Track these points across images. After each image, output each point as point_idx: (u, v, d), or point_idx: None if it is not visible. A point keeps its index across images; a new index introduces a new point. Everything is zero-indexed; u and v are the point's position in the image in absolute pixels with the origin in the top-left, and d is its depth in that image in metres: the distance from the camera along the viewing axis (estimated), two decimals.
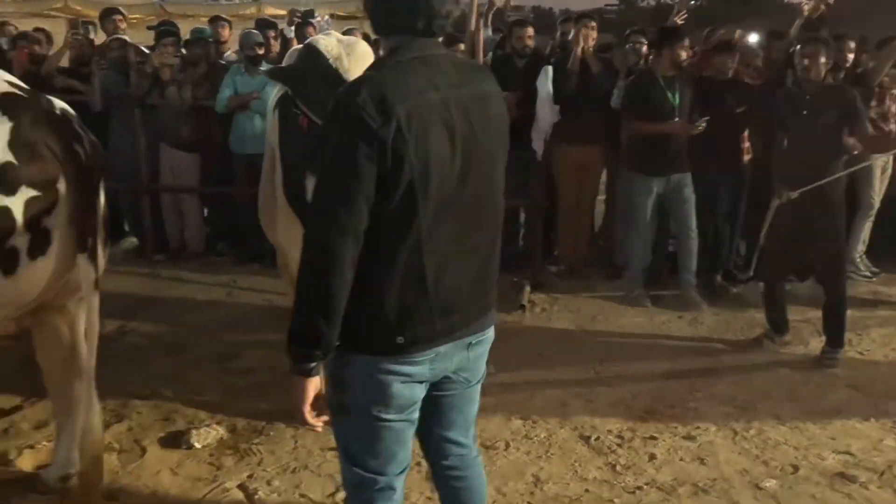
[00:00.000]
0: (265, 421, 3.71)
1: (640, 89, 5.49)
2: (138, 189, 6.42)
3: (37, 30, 7.40)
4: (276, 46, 6.47)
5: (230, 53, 6.80)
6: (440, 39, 2.02)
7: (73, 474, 3.10)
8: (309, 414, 1.95)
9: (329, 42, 3.14)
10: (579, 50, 5.75)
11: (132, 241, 6.69)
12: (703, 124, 5.24)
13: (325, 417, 1.99)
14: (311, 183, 3.22)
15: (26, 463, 3.30)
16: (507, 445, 3.56)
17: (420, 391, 2.06)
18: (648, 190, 5.48)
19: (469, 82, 1.98)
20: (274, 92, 5.98)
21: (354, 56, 3.09)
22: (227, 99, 6.15)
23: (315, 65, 3.09)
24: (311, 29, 6.51)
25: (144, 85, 6.36)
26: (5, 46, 7.81)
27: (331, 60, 3.05)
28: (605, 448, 3.57)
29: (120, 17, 7.27)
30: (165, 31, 6.66)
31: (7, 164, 2.60)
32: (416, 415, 2.11)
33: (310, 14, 6.49)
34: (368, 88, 1.81)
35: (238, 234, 6.59)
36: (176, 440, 3.51)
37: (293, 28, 6.51)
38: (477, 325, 2.10)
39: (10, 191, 2.61)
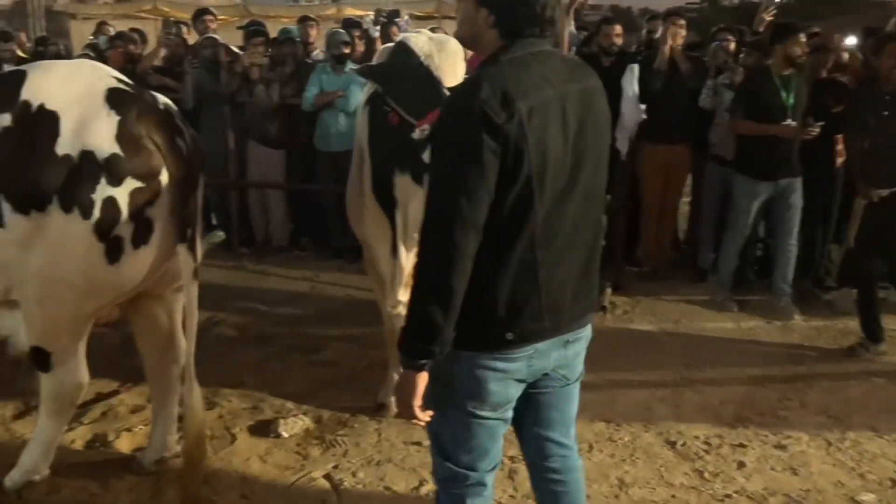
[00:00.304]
0: (349, 413, 3.76)
1: (752, 87, 5.25)
2: (226, 184, 6.60)
3: (132, 30, 7.71)
4: (360, 46, 6.55)
5: (317, 53, 6.92)
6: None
7: (168, 458, 3.22)
8: (418, 409, 1.95)
9: (420, 40, 3.16)
10: (667, 48, 5.64)
11: (219, 234, 6.87)
12: (818, 129, 5.00)
13: (431, 412, 2.00)
14: (399, 179, 3.26)
15: (124, 445, 3.43)
16: (591, 447, 3.51)
17: (516, 389, 2.05)
18: (754, 194, 5.24)
19: (578, 78, 2.00)
20: (363, 90, 6.14)
21: (445, 53, 3.11)
22: (313, 97, 6.27)
23: (406, 62, 3.11)
24: (395, 29, 6.56)
25: (234, 83, 6.54)
26: (103, 46, 8.16)
27: (422, 58, 3.08)
28: (691, 454, 3.49)
29: (210, 17, 7.50)
30: (255, 31, 6.83)
31: (114, 156, 2.72)
32: (510, 413, 2.11)
33: (395, 14, 6.55)
34: (490, 84, 1.83)
35: (321, 231, 6.71)
36: (264, 429, 3.59)
37: (378, 28, 6.57)
38: (578, 322, 2.08)
39: (117, 181, 2.73)
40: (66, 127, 2.71)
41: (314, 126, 6.44)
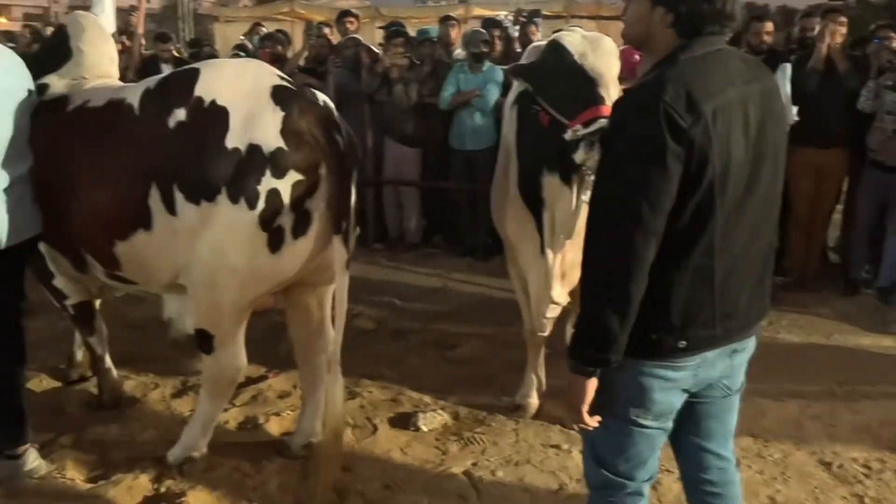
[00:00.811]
0: (486, 412, 3.76)
1: None
2: (363, 181, 6.75)
3: (277, 31, 8.03)
4: (499, 45, 6.56)
5: (458, 52, 6.98)
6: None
7: (315, 444, 3.31)
8: (586, 414, 1.93)
9: (574, 38, 3.10)
10: (825, 47, 5.33)
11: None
12: None
13: (598, 418, 1.96)
14: (547, 180, 3.22)
15: (273, 428, 3.55)
16: (738, 463, 3.34)
17: (679, 399, 2.00)
18: None
19: (758, 78, 1.92)
20: (500, 89, 6.16)
21: (599, 53, 3.03)
22: (450, 96, 6.33)
23: (560, 61, 3.05)
24: (533, 28, 6.53)
25: (374, 83, 6.69)
26: (253, 47, 8.54)
27: (576, 57, 3.01)
28: (849, 477, 3.28)
29: (351, 19, 7.75)
30: (395, 31, 6.97)
31: (278, 150, 2.82)
32: (671, 423, 2.05)
33: (535, 14, 6.52)
34: (674, 85, 1.77)
35: (452, 228, 6.76)
36: (404, 421, 3.64)
37: (518, 27, 6.55)
38: (747, 331, 2.00)
39: (280, 174, 2.82)
40: (235, 122, 2.83)
41: (450, 125, 6.50)
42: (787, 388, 4.09)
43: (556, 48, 3.11)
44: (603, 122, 2.72)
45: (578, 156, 2.83)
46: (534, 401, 3.77)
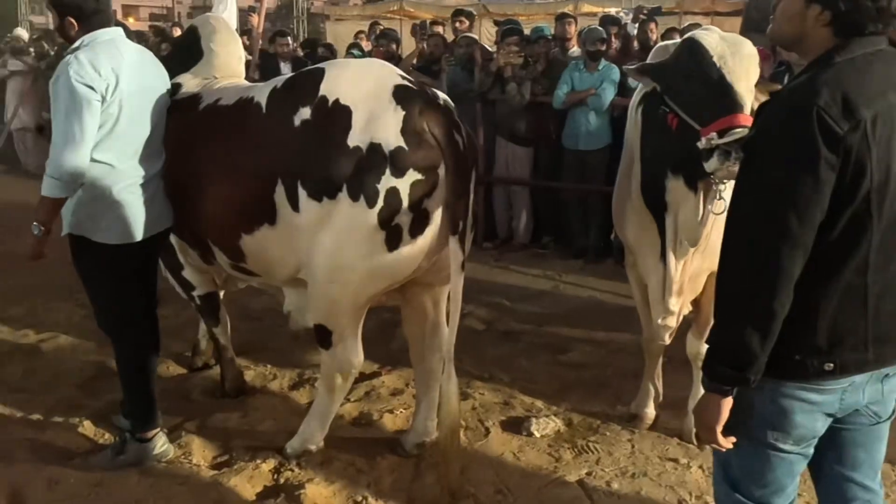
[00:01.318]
0: (600, 420, 3.66)
1: None
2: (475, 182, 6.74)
3: (387, 30, 8.15)
4: (616, 43, 6.40)
5: (574, 49, 6.86)
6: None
7: (428, 443, 3.32)
8: (720, 435, 1.84)
9: (712, 39, 2.93)
10: None
11: None
12: None
13: (733, 439, 1.85)
14: (672, 183, 3.08)
15: (386, 425, 3.57)
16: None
17: (822, 424, 1.87)
18: None
19: None
20: (616, 88, 6.02)
21: (739, 56, 2.84)
22: (564, 95, 6.22)
23: (695, 63, 2.90)
24: (652, 26, 6.34)
25: (487, 82, 6.65)
26: (364, 45, 8.69)
27: (715, 59, 2.85)
28: None
29: (463, 17, 7.79)
30: (510, 29, 6.91)
31: (399, 149, 2.82)
32: (811, 449, 1.92)
33: (656, 11, 6.32)
34: (829, 89, 1.65)
35: (563, 229, 6.66)
36: (516, 425, 3.58)
37: (637, 25, 6.38)
38: None
39: (400, 173, 2.83)
40: (357, 121, 2.85)
41: (562, 124, 6.40)
42: None
43: (692, 48, 2.94)
44: (740, 131, 2.58)
45: (710, 165, 2.68)
46: (650, 411, 3.65)
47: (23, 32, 11.80)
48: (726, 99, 2.74)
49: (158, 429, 3.21)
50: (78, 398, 3.75)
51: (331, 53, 8.54)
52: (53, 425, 3.46)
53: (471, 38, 6.96)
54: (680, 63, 2.97)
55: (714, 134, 2.67)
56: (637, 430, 3.56)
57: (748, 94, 2.79)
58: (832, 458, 1.99)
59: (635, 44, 6.64)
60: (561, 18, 7.12)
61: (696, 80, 2.86)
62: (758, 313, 1.71)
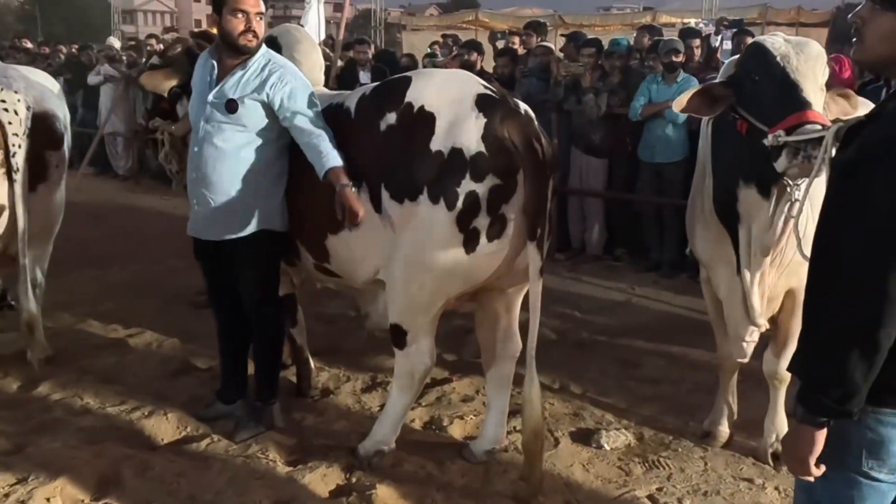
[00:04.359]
0: (672, 436, 3.61)
1: None
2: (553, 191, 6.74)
3: (471, 41, 8.24)
4: (697, 55, 6.32)
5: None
6: None
7: (498, 450, 3.33)
8: (814, 467, 1.77)
9: (776, 40, 2.90)
10: None
11: None
12: None
13: (824, 468, 1.80)
14: (743, 192, 3.03)
15: (456, 431, 3.60)
16: None
17: None
18: None
19: None
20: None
21: (804, 56, 2.80)
22: (640, 107, 6.17)
23: (760, 64, 2.86)
24: (748, 39, 6.23)
25: (560, 92, 6.65)
26: (438, 56, 8.80)
27: (778, 58, 2.80)
28: None
29: (531, 31, 7.89)
30: (584, 41, 6.90)
31: (479, 154, 2.88)
32: None
33: (739, 23, 6.21)
34: None
35: (637, 242, 6.59)
36: (586, 437, 3.57)
37: (720, 37, 6.28)
38: None
39: (479, 178, 2.88)
40: (440, 126, 2.92)
41: (639, 136, 6.35)
42: None
43: (756, 51, 2.91)
44: (812, 128, 2.51)
45: (780, 163, 2.62)
46: (724, 429, 3.58)
47: (115, 41, 12.38)
48: (792, 96, 2.70)
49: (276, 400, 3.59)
50: (163, 390, 3.91)
51: (412, 62, 8.70)
52: (141, 415, 3.61)
53: (546, 47, 6.97)
54: (745, 68, 2.94)
55: (781, 132, 2.62)
56: (710, 448, 3.50)
57: (817, 92, 2.75)
58: None
59: (719, 55, 6.53)
60: (640, 31, 7.07)
61: (761, 82, 2.83)
62: (863, 344, 1.63)
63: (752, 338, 3.25)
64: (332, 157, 3.07)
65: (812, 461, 1.76)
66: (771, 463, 3.35)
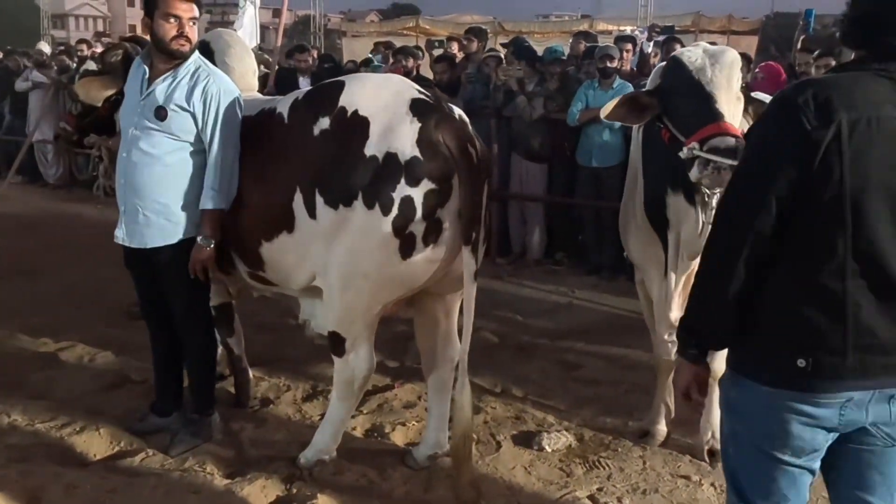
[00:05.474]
0: (612, 436, 3.66)
1: None
2: (489, 195, 6.77)
3: (415, 47, 8.26)
4: (627, 62, 6.45)
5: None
6: None
7: (440, 455, 3.33)
8: (681, 397, 2.04)
9: (693, 53, 3.02)
10: None
11: None
12: None
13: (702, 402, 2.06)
14: (671, 199, 3.14)
15: (398, 438, 3.58)
16: None
17: (822, 438, 1.87)
18: None
19: None
20: None
21: (719, 66, 2.93)
22: (578, 112, 6.26)
23: (677, 78, 2.99)
24: (677, 46, 6.37)
25: (501, 97, 6.71)
26: (376, 62, 8.78)
27: (693, 72, 2.93)
28: None
29: (472, 36, 8.00)
30: (524, 48, 6.98)
31: (414, 159, 2.87)
32: (817, 464, 1.93)
33: (670, 29, 6.37)
34: (814, 90, 1.72)
35: (577, 246, 6.68)
36: (527, 440, 3.59)
37: (652, 44, 6.42)
38: None
39: (414, 183, 2.87)
40: (374, 131, 2.91)
41: (577, 141, 6.43)
42: None
43: (674, 64, 3.06)
44: (723, 140, 2.69)
45: (693, 174, 2.79)
46: (662, 428, 3.64)
47: (45, 46, 12.00)
48: (705, 109, 2.84)
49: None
50: (96, 405, 3.79)
51: (356, 68, 8.66)
52: (72, 432, 3.50)
53: (491, 55, 7.02)
54: (665, 80, 3.06)
55: (695, 143, 2.75)
56: (649, 447, 3.56)
57: (731, 102, 2.89)
58: (847, 479, 1.97)
59: (653, 62, 6.67)
60: (576, 36, 7.18)
61: (679, 94, 2.96)
62: (715, 284, 1.85)
63: (674, 337, 3.33)
64: (213, 196, 3.13)
65: (693, 392, 2.00)
66: (707, 460, 3.42)
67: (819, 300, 1.75)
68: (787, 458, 1.88)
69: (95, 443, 3.43)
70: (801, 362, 1.77)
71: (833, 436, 1.87)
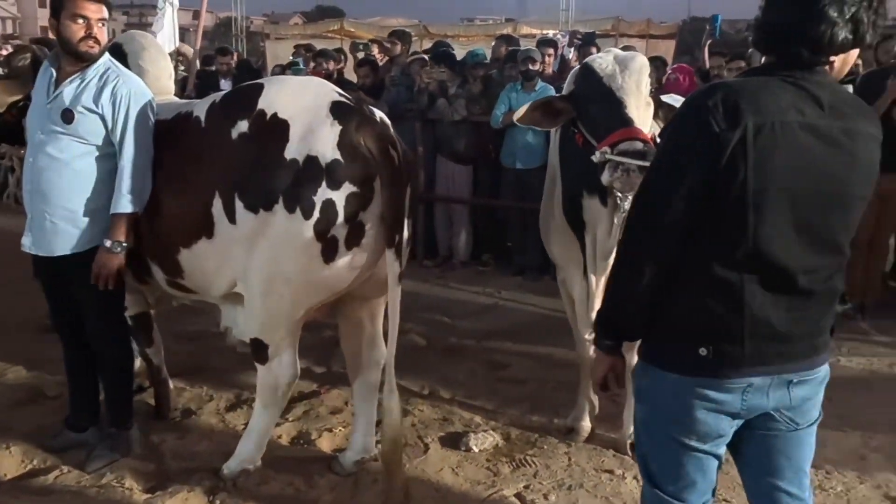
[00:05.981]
0: (538, 434, 3.71)
1: None
2: (415, 197, 6.77)
3: (336, 50, 8.19)
4: (550, 65, 6.55)
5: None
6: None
7: (367, 460, 3.31)
8: (595, 386, 2.15)
9: (604, 60, 3.11)
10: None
11: None
12: None
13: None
14: (588, 202, 3.21)
15: (325, 445, 3.55)
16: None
17: (727, 423, 1.94)
18: None
19: (844, 117, 1.83)
20: None
21: (629, 72, 3.02)
22: (501, 115, 6.33)
23: (588, 84, 3.08)
24: (594, 50, 6.52)
25: (425, 100, 6.72)
26: (301, 65, 8.68)
27: (604, 79, 3.03)
28: None
29: (395, 39, 8.00)
30: (442, 53, 7.02)
31: (335, 162, 2.85)
32: (722, 449, 2.01)
33: (592, 35, 6.50)
34: (723, 93, 1.79)
35: (504, 247, 6.74)
36: (455, 441, 3.60)
37: (573, 49, 6.54)
38: (803, 362, 1.93)
39: (336, 186, 2.85)
40: (294, 134, 2.87)
41: (501, 143, 6.50)
42: (848, 418, 3.96)
43: (585, 71, 3.14)
44: (631, 145, 2.78)
45: (604, 178, 2.88)
46: (586, 424, 3.71)
47: None
48: (616, 115, 2.94)
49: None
50: (7, 421, 3.63)
51: (282, 72, 8.54)
52: None
53: (416, 58, 7.03)
54: (579, 86, 3.15)
55: (606, 148, 2.83)
56: (574, 443, 3.62)
57: (641, 107, 2.99)
58: (756, 466, 2.06)
59: (574, 66, 6.80)
60: (498, 39, 7.26)
61: (591, 100, 3.05)
62: (617, 282, 1.96)
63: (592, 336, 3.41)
64: (124, 201, 3.04)
65: (610, 383, 2.09)
66: (630, 454, 3.49)
67: (719, 292, 1.83)
68: (693, 443, 1.95)
69: (6, 462, 3.28)
70: (702, 351, 1.86)
71: (738, 422, 1.95)
